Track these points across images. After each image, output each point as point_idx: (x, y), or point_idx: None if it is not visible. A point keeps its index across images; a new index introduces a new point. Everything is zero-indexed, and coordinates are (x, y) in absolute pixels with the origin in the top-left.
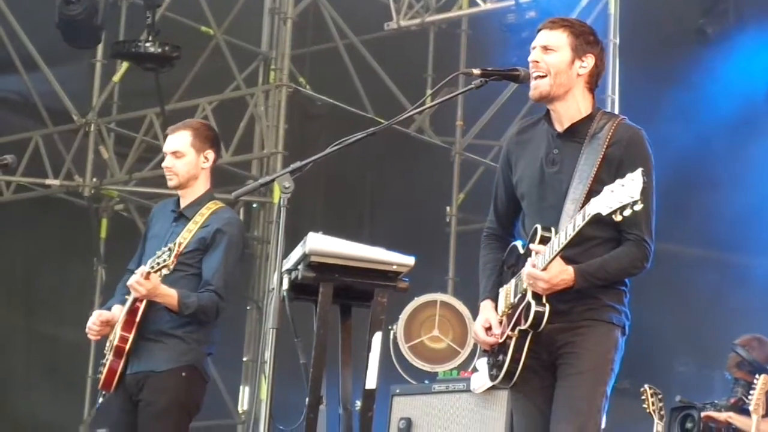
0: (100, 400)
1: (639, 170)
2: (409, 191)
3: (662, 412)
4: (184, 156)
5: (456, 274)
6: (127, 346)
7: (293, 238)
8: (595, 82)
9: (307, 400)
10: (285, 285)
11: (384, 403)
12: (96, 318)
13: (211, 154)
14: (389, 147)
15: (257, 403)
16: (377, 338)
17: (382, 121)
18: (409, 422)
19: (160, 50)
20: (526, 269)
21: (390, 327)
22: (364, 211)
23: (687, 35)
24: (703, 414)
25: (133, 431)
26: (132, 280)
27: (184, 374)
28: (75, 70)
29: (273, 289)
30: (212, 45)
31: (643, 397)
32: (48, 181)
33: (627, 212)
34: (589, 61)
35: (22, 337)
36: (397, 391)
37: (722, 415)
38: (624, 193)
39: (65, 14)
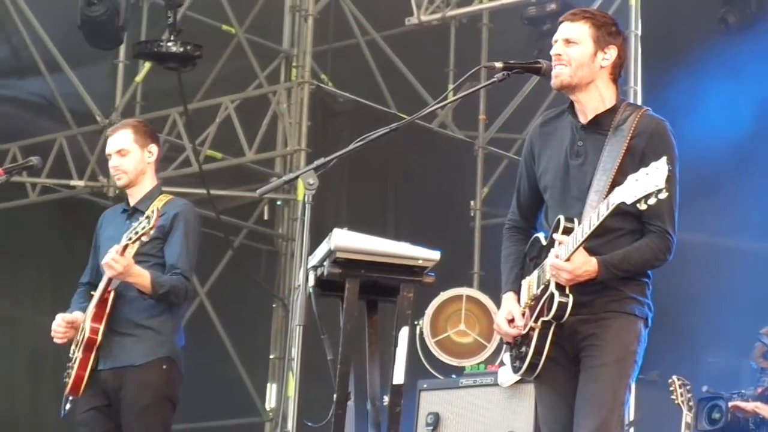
0: (67, 407)
1: (663, 158)
2: (432, 186)
3: (691, 403)
4: (129, 153)
5: (481, 268)
6: (99, 338)
7: (317, 234)
8: (618, 72)
9: (334, 396)
10: (311, 282)
11: (411, 398)
12: (60, 320)
13: (154, 148)
14: (412, 142)
15: (285, 401)
16: (404, 333)
17: (405, 116)
18: (437, 417)
19: (182, 50)
20: (549, 260)
21: (416, 322)
22: (388, 206)
23: (709, 24)
24: (730, 404)
25: (108, 428)
26: (108, 257)
27: (164, 367)
28: (98, 71)
29: (299, 286)
30: (234, 43)
31: (671, 389)
32: (73, 182)
33: (651, 201)
34: (612, 52)
35: (48, 338)
36: (425, 386)
37: (749, 405)
38: (649, 181)
39: (87, 16)
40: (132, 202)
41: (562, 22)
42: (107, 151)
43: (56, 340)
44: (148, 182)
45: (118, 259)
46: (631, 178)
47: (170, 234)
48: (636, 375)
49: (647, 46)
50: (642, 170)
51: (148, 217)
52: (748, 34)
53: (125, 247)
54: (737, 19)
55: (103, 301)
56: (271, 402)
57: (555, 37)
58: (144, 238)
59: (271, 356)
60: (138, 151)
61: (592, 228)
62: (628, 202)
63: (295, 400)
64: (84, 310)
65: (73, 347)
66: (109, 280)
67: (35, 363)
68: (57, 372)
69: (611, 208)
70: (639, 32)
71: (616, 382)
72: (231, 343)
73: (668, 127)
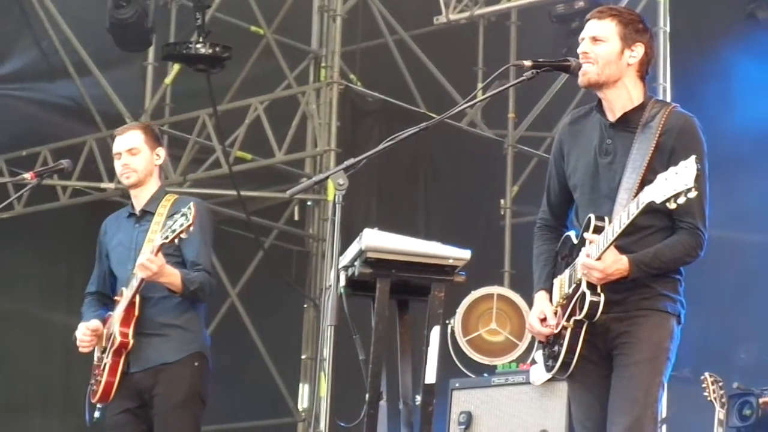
0: (96, 414)
1: (692, 157)
2: (462, 185)
3: (723, 400)
4: (139, 152)
5: (512, 267)
6: (131, 341)
7: (348, 234)
8: (645, 70)
9: (366, 396)
10: (342, 282)
11: (444, 397)
12: (84, 329)
13: (162, 152)
14: (442, 141)
15: (317, 401)
16: (435, 332)
17: (434, 115)
18: (469, 416)
19: (210, 51)
20: (580, 259)
21: (447, 321)
22: (418, 206)
23: (737, 20)
24: (761, 400)
25: (140, 429)
26: (142, 258)
27: (196, 364)
28: (127, 73)
29: (330, 286)
30: (262, 44)
31: (704, 385)
32: (103, 185)
33: (681, 200)
34: (639, 50)
35: None
36: (457, 385)
37: None
38: (678, 180)
39: (116, 18)
40: (137, 205)
41: (588, 20)
42: (115, 150)
43: (82, 350)
44: (154, 184)
45: (153, 260)
46: (660, 177)
47: None
48: (669, 372)
49: (676, 43)
50: (671, 169)
51: (184, 214)
52: None
53: (160, 246)
54: (766, 14)
55: (131, 305)
56: (303, 402)
57: (582, 35)
58: (183, 236)
59: (303, 356)
60: (148, 151)
61: (623, 227)
62: (658, 201)
63: (328, 400)
64: (98, 317)
65: (97, 354)
66: (140, 284)
67: (69, 365)
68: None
69: (641, 207)
70: (668, 29)
71: (650, 380)
72: (263, 343)
73: (697, 123)
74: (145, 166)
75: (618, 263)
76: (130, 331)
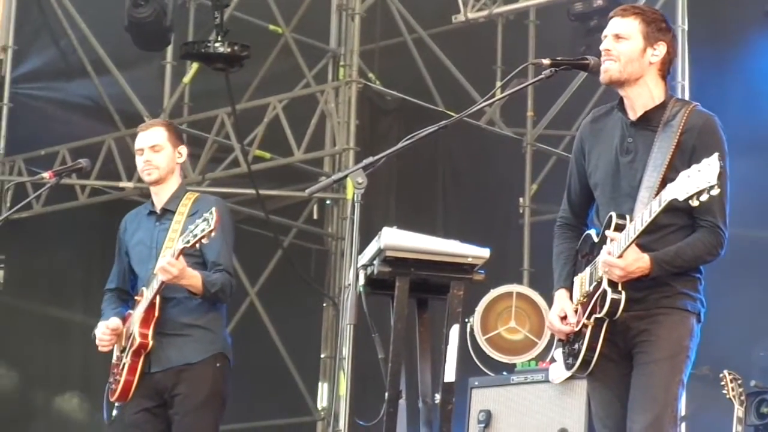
0: (114, 413)
1: (715, 155)
2: (481, 183)
3: (742, 398)
4: (162, 149)
5: (531, 265)
6: (150, 342)
7: (367, 233)
8: (667, 69)
9: (386, 394)
10: (361, 280)
11: (463, 395)
12: (104, 328)
13: (183, 150)
14: (460, 140)
15: (336, 400)
16: (455, 331)
17: (453, 114)
18: (488, 414)
19: (229, 50)
20: (602, 257)
21: (467, 319)
22: (437, 204)
23: (755, 18)
24: None
25: (161, 430)
26: (162, 262)
27: (218, 365)
28: (145, 72)
29: (349, 285)
30: (281, 43)
31: (722, 383)
32: (122, 184)
33: (704, 197)
34: (661, 48)
35: None
36: (476, 383)
37: None
38: (701, 178)
39: (134, 17)
40: (157, 203)
41: (612, 17)
42: (137, 146)
43: (101, 349)
44: (174, 182)
45: (174, 263)
46: (683, 174)
47: None
48: (689, 371)
49: (694, 41)
50: (694, 167)
51: (206, 219)
52: None
53: (181, 250)
54: None
55: (151, 306)
56: (322, 401)
57: (605, 33)
58: (204, 240)
59: (322, 355)
60: (170, 149)
61: (644, 225)
62: (681, 198)
63: (347, 399)
64: (119, 315)
65: (117, 353)
66: (161, 286)
67: (87, 365)
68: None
69: (663, 205)
70: (686, 27)
71: (669, 378)
72: (282, 342)
73: (718, 122)
74: (167, 164)
75: (639, 261)
76: (150, 332)
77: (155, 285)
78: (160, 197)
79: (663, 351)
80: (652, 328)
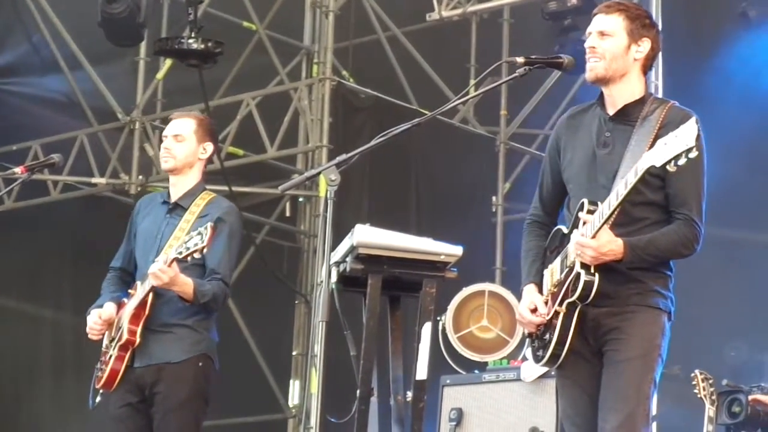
0: (98, 399)
1: (692, 119)
2: (454, 181)
3: (713, 397)
4: (185, 140)
5: (503, 264)
6: (138, 339)
7: (339, 230)
8: (650, 65)
9: (358, 392)
10: (333, 278)
11: (434, 393)
12: (97, 317)
13: (209, 147)
14: (434, 138)
15: (308, 397)
16: (427, 329)
17: (426, 112)
18: (460, 412)
19: (202, 46)
20: (574, 238)
21: (438, 318)
22: (410, 202)
23: (729, 19)
24: (750, 397)
25: (142, 425)
26: (155, 267)
27: (200, 364)
28: (118, 68)
29: (321, 282)
30: (255, 40)
31: (693, 383)
32: (94, 180)
33: (682, 161)
34: (645, 45)
35: (70, 335)
36: (448, 381)
37: None
38: (678, 142)
39: (108, 13)
40: (174, 195)
41: (595, 14)
42: (165, 132)
43: (91, 337)
44: (193, 177)
45: (165, 270)
46: (659, 142)
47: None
48: (661, 369)
49: (668, 41)
50: (671, 134)
51: (201, 234)
52: None
53: (173, 260)
54: (758, 13)
55: (143, 303)
56: (294, 398)
57: (589, 30)
58: (196, 255)
59: (294, 353)
60: (194, 142)
61: (620, 198)
62: (658, 164)
63: (319, 397)
64: (115, 300)
65: (106, 341)
66: (152, 287)
67: (58, 361)
68: (79, 370)
69: (640, 173)
70: (660, 26)
71: (641, 377)
72: (253, 339)
73: (696, 118)
74: (186, 155)
75: (612, 243)
76: (139, 330)
77: (147, 285)
78: (176, 189)
79: (635, 349)
80: (623, 325)
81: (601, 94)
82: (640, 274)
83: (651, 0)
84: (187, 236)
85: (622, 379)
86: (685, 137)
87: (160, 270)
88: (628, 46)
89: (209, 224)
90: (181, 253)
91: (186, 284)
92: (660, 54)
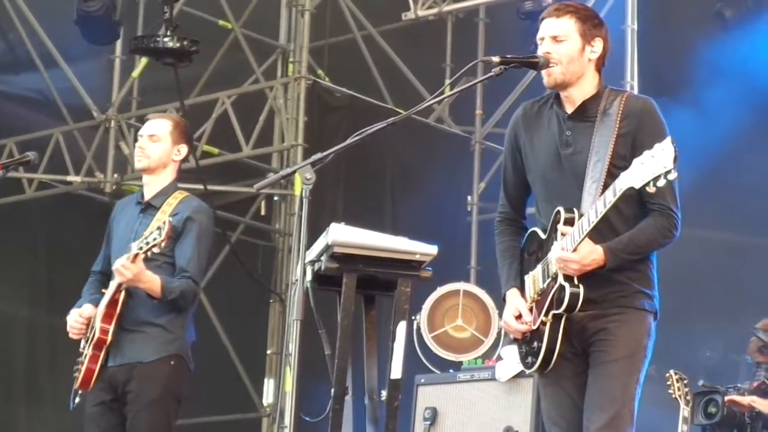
0: (77, 400)
1: (668, 139)
2: (429, 181)
3: (688, 398)
4: (160, 141)
5: (478, 263)
6: (109, 338)
7: (314, 229)
8: (603, 62)
9: (332, 391)
10: (308, 276)
11: (409, 393)
12: (77, 315)
13: (184, 149)
14: (409, 137)
15: (282, 396)
16: (401, 328)
17: (402, 111)
18: (434, 411)
19: (178, 45)
20: (555, 253)
21: (413, 317)
22: (385, 201)
23: (705, 19)
24: (726, 398)
25: (115, 423)
26: (118, 264)
27: (172, 363)
28: (94, 66)
29: (296, 280)
30: (230, 39)
31: (668, 383)
32: (69, 178)
33: (660, 182)
34: (599, 44)
35: (45, 334)
36: (422, 380)
37: (745, 399)
38: (656, 163)
39: (83, 11)
40: (147, 194)
41: (544, 18)
42: (140, 132)
43: (72, 336)
44: (167, 177)
45: (128, 266)
46: (636, 162)
47: (182, 235)
48: (646, 370)
49: (644, 41)
50: (646, 153)
51: (159, 228)
52: (744, 29)
53: (135, 256)
54: (733, 13)
55: (113, 301)
56: (268, 397)
57: (541, 35)
58: (155, 250)
59: (268, 351)
60: (169, 143)
61: (599, 216)
62: (637, 186)
63: (293, 396)
64: (94, 302)
65: (83, 342)
66: (119, 284)
67: (31, 360)
68: (53, 369)
69: (618, 194)
70: (635, 27)
71: (627, 378)
72: (228, 338)
73: (655, 104)
74: (160, 156)
75: (593, 253)
76: (111, 328)
77: (115, 282)
78: (149, 189)
79: (621, 350)
80: (610, 327)
81: (557, 92)
82: (624, 276)
83: (627, 1)
84: (147, 232)
85: (609, 380)
86: (662, 159)
87: (123, 266)
88: (583, 48)
89: (167, 219)
90: (141, 248)
91: (152, 281)
92: (635, 54)
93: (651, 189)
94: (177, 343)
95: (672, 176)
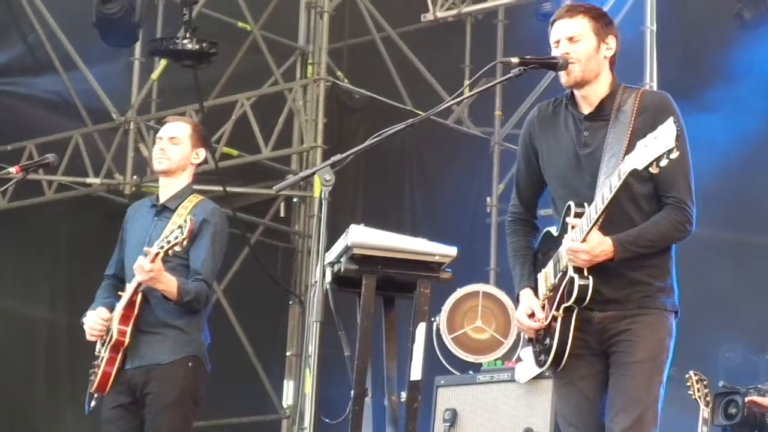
0: (92, 404)
1: (670, 119)
2: (449, 182)
3: (708, 399)
4: (180, 143)
5: (497, 265)
6: (127, 340)
7: (334, 231)
8: (615, 60)
9: (352, 392)
10: (328, 278)
11: (428, 394)
12: (96, 317)
13: (202, 153)
14: (428, 139)
15: (302, 397)
16: (421, 329)
17: (421, 112)
18: (454, 413)
19: (197, 47)
20: (565, 245)
21: (432, 318)
22: (404, 202)
23: (724, 20)
24: (747, 399)
25: (133, 426)
26: (139, 262)
27: (190, 364)
28: (113, 68)
29: (316, 282)
30: (249, 40)
31: (688, 384)
32: (89, 180)
33: (663, 162)
34: (612, 42)
35: (64, 336)
36: (442, 382)
37: (765, 400)
38: (658, 143)
39: (102, 13)
40: (162, 197)
41: (556, 20)
42: (159, 134)
43: (91, 338)
44: (183, 180)
45: (149, 266)
46: (639, 144)
47: (197, 238)
48: (668, 370)
49: (663, 43)
50: (650, 135)
51: (180, 227)
52: (764, 30)
53: (156, 254)
54: (753, 14)
55: (131, 303)
56: (288, 399)
57: (556, 37)
58: (177, 248)
59: (288, 353)
60: (189, 146)
61: (606, 202)
62: (640, 167)
63: (313, 397)
64: (108, 306)
65: (99, 345)
66: (138, 285)
67: (51, 361)
68: (73, 370)
69: (623, 177)
70: (654, 28)
71: (651, 379)
72: (247, 340)
73: (671, 99)
74: (180, 158)
75: (603, 244)
76: (128, 330)
77: (134, 282)
78: (165, 191)
79: (645, 352)
80: (633, 328)
81: (572, 93)
82: (644, 274)
83: (645, 2)
84: (168, 231)
85: (633, 381)
86: (664, 138)
87: (141, 266)
88: (598, 46)
89: (189, 217)
90: (162, 247)
91: (170, 282)
92: (655, 55)
93: (654, 170)
94: (194, 345)
95: (674, 155)
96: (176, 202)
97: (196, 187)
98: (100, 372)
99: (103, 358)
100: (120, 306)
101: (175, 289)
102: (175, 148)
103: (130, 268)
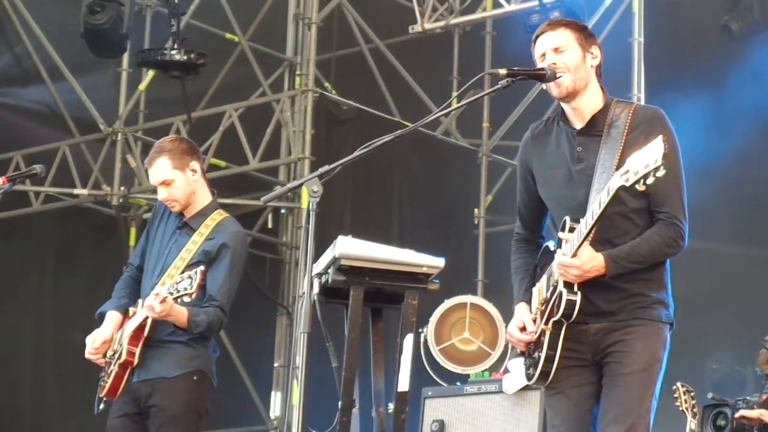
0: (101, 406)
1: (659, 137)
2: (436, 194)
3: (695, 410)
4: (173, 181)
5: (485, 276)
6: (136, 360)
7: (321, 242)
8: (601, 72)
9: (339, 403)
10: (315, 289)
11: (416, 405)
12: (91, 346)
13: (196, 165)
14: (416, 150)
15: (289, 409)
16: (409, 340)
17: (409, 124)
18: (441, 424)
19: (185, 58)
20: (556, 259)
21: (420, 330)
22: (392, 213)
23: (711, 32)
24: (737, 414)
25: None
26: (149, 301)
27: (195, 378)
28: (101, 79)
29: (303, 293)
30: (237, 52)
31: (675, 395)
32: (76, 191)
33: (650, 180)
34: (596, 51)
35: (51, 347)
36: (429, 393)
37: (754, 413)
38: (645, 161)
39: (90, 24)
40: (187, 213)
41: (540, 34)
42: (151, 182)
43: (95, 361)
44: (202, 198)
45: (158, 308)
46: (628, 161)
47: (215, 261)
48: (661, 382)
49: (650, 54)
50: (637, 152)
51: (191, 278)
52: (751, 42)
53: (165, 298)
54: (740, 26)
55: (141, 326)
56: (275, 410)
57: (541, 50)
58: (185, 299)
59: (276, 364)
60: (181, 176)
61: (595, 218)
62: (627, 184)
63: (300, 408)
64: (121, 309)
65: (109, 352)
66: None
67: (38, 373)
68: (60, 381)
69: (612, 193)
70: (642, 40)
71: (644, 390)
72: (235, 351)
73: (664, 114)
74: (184, 191)
75: (594, 260)
76: (138, 351)
77: (144, 313)
78: (189, 211)
79: (638, 363)
80: (627, 339)
81: (562, 110)
82: (639, 286)
83: (633, 13)
84: (180, 277)
85: (625, 392)
86: (652, 156)
87: (151, 307)
88: (584, 56)
89: (199, 269)
90: (171, 294)
91: (181, 315)
92: (642, 67)
93: (641, 187)
94: (200, 359)
95: (660, 173)
96: (199, 221)
97: None
98: (109, 382)
99: (112, 371)
100: (131, 325)
101: (185, 321)
102: (173, 189)
103: (147, 279)
